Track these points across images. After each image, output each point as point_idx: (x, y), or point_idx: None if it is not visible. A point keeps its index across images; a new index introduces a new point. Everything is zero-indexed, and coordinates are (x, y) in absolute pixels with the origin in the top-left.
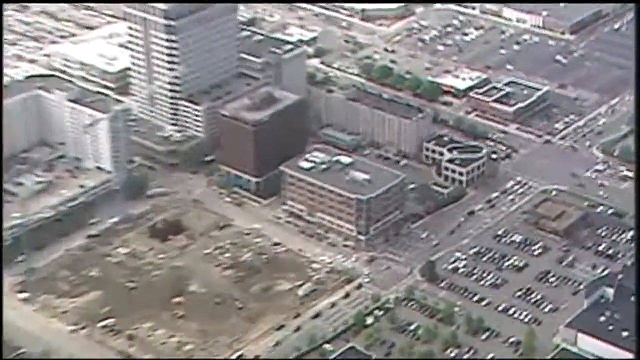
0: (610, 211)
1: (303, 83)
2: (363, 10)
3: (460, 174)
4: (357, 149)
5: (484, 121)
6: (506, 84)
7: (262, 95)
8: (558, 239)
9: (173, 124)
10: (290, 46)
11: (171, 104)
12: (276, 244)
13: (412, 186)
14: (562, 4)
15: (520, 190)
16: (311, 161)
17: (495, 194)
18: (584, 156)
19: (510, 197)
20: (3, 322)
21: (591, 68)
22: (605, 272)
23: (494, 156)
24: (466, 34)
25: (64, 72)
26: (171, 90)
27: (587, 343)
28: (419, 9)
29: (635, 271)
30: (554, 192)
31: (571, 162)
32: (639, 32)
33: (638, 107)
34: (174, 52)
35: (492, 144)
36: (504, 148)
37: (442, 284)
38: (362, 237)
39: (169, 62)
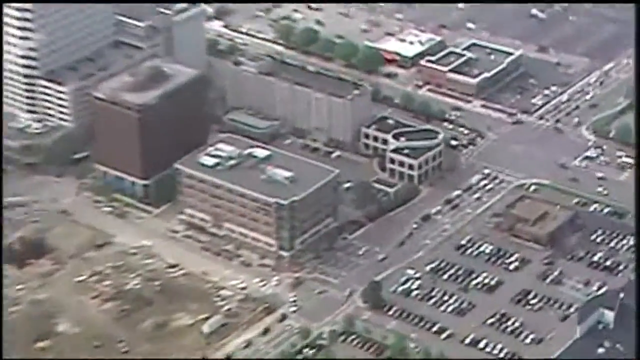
0: (606, 210)
1: (202, 53)
2: None
3: (411, 167)
4: (275, 139)
5: (440, 97)
6: (467, 49)
7: (148, 70)
8: (540, 248)
9: (30, 112)
10: (183, 5)
11: (26, 84)
12: (172, 266)
13: (348, 185)
14: None
15: (490, 186)
16: (215, 156)
17: (456, 192)
18: (570, 139)
19: (477, 195)
20: None
21: (578, 24)
22: (603, 289)
23: (453, 143)
24: None
25: None
26: (25, 67)
27: None
28: None
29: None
30: (532, 188)
31: (554, 147)
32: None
33: (638, 90)
34: (27, 15)
35: (450, 127)
36: (466, 132)
37: (391, 312)
38: (284, 254)
39: (20, 29)
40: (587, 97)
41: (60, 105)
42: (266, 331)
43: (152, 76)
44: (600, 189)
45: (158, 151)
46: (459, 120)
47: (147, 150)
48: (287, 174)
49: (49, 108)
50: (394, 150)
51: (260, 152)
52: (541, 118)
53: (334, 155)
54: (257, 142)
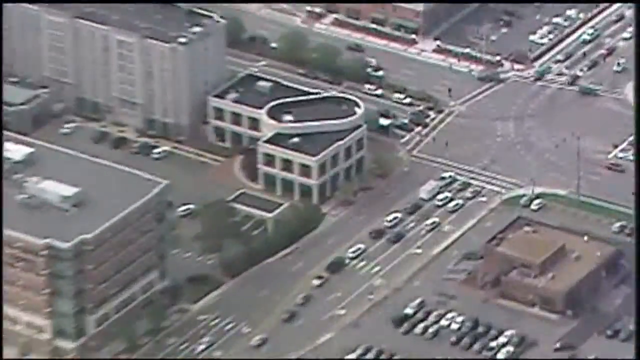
0: None
1: None
2: None
3: (305, 171)
4: (43, 123)
5: (356, 35)
6: None
7: None
8: (553, 317)
9: None
10: None
11: None
12: None
13: (186, 208)
14: None
15: (456, 203)
16: None
17: (392, 217)
18: (603, 109)
19: (431, 220)
20: None
21: None
22: None
23: (385, 122)
24: None
25: None
26: None
27: None
28: None
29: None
30: (536, 203)
31: (574, 125)
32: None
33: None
34: None
35: (379, 92)
36: (408, 101)
37: None
38: (67, 345)
39: None
40: (630, 30)
41: None
42: None
43: None
44: None
45: None
46: (395, 78)
47: None
48: (69, 190)
49: None
50: (272, 140)
51: (15, 151)
52: (546, 71)
53: (158, 151)
54: (7, 132)
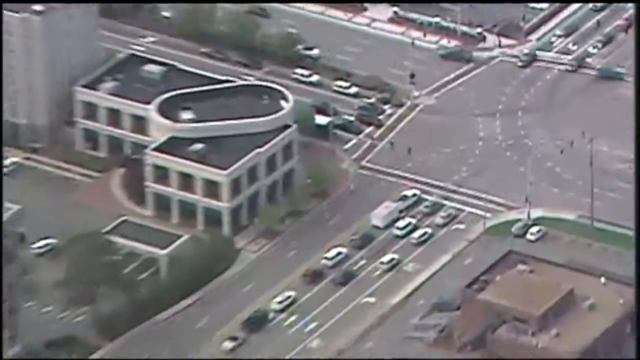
0: None
1: None
2: None
3: (211, 190)
4: None
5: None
6: None
7: None
8: None
9: None
10: None
11: None
12: None
13: (45, 243)
14: None
15: (422, 232)
16: None
17: (336, 252)
18: (620, 98)
19: (389, 257)
20: None
21: None
22: None
23: (322, 121)
24: None
25: None
26: None
27: None
28: None
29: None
30: (534, 232)
31: (582, 122)
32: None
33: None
34: None
35: (314, 78)
36: (354, 91)
37: None
38: None
39: None
40: None
41: None
42: None
43: None
44: None
45: None
46: (336, 59)
47: None
48: None
49: None
50: (165, 147)
51: None
52: (546, 47)
53: (4, 164)
54: None
